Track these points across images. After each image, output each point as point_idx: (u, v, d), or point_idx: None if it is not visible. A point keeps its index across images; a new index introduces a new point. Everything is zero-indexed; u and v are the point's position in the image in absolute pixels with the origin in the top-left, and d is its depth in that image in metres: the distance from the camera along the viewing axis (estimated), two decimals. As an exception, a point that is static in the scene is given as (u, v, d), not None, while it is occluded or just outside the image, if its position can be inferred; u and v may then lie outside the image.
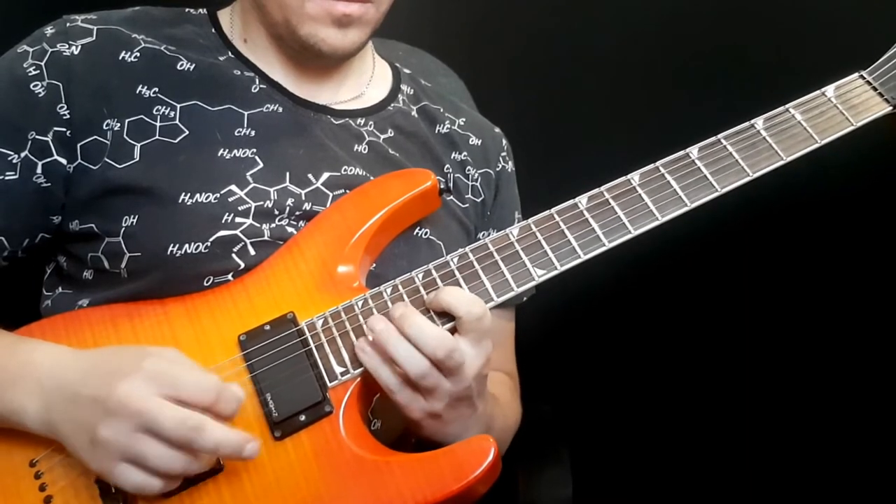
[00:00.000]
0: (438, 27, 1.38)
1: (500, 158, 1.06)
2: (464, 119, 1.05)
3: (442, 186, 0.91)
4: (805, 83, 0.91)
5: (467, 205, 1.00)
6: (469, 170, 1.01)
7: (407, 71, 1.07)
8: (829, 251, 1.31)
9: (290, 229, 0.86)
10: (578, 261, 0.82)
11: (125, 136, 0.84)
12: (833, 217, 1.29)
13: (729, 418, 1.38)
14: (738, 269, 1.35)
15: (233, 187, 0.85)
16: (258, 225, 0.85)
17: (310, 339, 0.80)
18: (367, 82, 1.00)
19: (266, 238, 0.85)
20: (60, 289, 0.90)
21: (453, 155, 1.01)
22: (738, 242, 1.34)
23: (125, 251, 0.83)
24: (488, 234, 1.01)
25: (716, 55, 1.32)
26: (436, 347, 0.74)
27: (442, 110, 1.04)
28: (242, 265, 0.84)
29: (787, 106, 0.89)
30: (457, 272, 0.82)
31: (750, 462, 1.38)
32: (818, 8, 1.27)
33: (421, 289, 0.81)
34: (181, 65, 0.90)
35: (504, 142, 1.08)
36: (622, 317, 1.40)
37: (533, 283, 0.82)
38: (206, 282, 0.83)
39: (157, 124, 0.86)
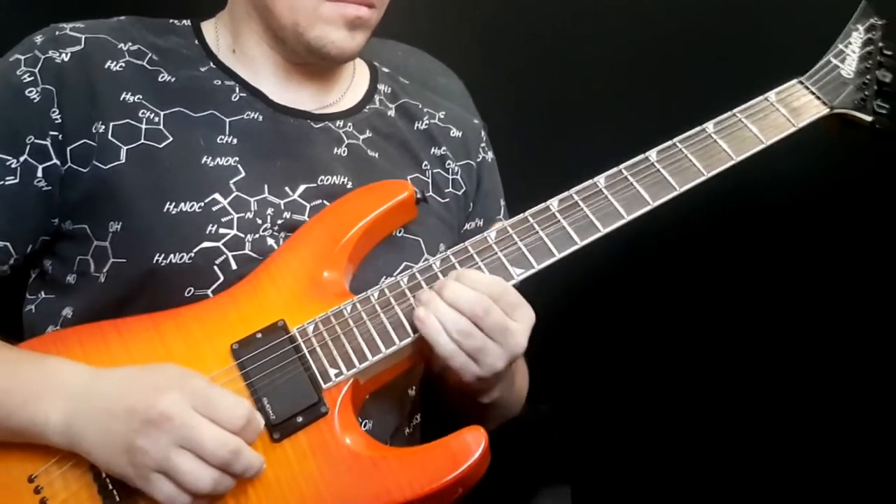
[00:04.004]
0: (438, 28, 1.39)
1: (480, 149, 1.09)
2: (443, 113, 1.07)
3: (418, 196, 0.94)
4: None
5: (448, 199, 1.02)
6: (449, 163, 1.04)
7: (385, 70, 1.09)
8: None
9: (270, 241, 0.88)
10: (553, 259, 0.87)
11: (110, 137, 0.86)
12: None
13: (728, 418, 1.39)
14: (738, 270, 1.37)
15: (217, 196, 0.87)
16: (241, 236, 0.87)
17: (302, 344, 0.82)
18: (347, 86, 1.03)
19: (247, 251, 0.87)
20: (43, 293, 0.91)
21: (432, 150, 1.04)
22: (738, 244, 1.36)
23: (110, 256, 0.85)
24: (475, 225, 1.05)
25: (693, 69, 1.36)
26: (473, 304, 0.79)
27: (421, 106, 1.06)
28: (222, 278, 0.85)
29: (734, 111, 0.96)
30: (440, 276, 0.85)
31: (750, 462, 1.39)
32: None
33: (407, 292, 0.84)
34: (162, 77, 0.92)
35: (483, 132, 1.11)
36: (621, 317, 1.41)
37: (512, 282, 0.85)
38: (188, 293, 0.85)
39: (143, 127, 0.88)
